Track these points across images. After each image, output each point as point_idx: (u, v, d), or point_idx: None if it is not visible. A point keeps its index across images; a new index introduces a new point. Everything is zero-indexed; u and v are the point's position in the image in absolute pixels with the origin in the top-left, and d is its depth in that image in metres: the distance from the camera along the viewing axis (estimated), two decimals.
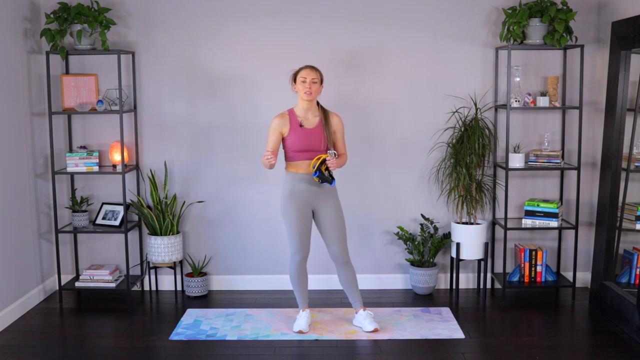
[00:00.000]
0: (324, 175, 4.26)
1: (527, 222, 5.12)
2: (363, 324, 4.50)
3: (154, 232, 5.19)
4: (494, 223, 5.35)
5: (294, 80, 4.39)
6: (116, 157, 5.12)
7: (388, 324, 4.60)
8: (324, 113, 4.43)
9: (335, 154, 4.32)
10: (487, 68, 5.23)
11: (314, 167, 4.27)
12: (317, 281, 5.29)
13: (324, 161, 4.27)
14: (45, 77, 5.10)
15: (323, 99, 4.94)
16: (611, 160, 4.75)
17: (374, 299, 5.08)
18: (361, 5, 5.16)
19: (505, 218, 5.08)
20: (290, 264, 4.51)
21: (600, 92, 5.18)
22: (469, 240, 5.11)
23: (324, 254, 4.90)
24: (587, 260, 5.37)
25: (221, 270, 5.43)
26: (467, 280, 5.42)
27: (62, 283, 5.23)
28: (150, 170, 5.29)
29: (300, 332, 4.46)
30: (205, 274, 5.31)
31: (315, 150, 4.35)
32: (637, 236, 4.95)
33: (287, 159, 4.43)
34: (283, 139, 4.40)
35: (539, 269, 5.17)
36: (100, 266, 5.26)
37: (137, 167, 5.29)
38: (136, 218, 5.36)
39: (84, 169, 5.05)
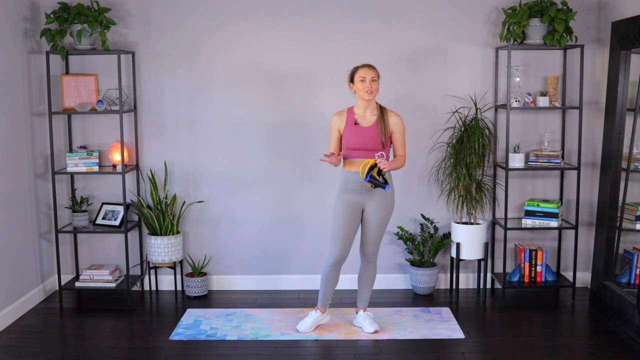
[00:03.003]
0: (376, 180, 4.15)
1: (527, 222, 5.12)
2: (363, 325, 4.50)
3: (154, 232, 5.19)
4: (494, 223, 5.35)
5: (351, 80, 4.34)
6: (116, 157, 5.12)
7: (388, 324, 4.61)
8: (382, 112, 4.36)
9: (383, 154, 4.18)
10: (487, 68, 5.23)
11: (363, 173, 4.17)
12: (318, 281, 5.29)
13: (374, 165, 4.17)
14: (45, 77, 5.10)
15: (327, 99, 4.95)
16: (611, 160, 4.75)
17: (374, 299, 5.08)
18: (361, 6, 5.16)
19: (505, 218, 5.08)
20: (325, 262, 4.44)
21: (600, 92, 5.18)
22: (469, 240, 5.11)
23: (325, 254, 4.90)
24: (587, 260, 5.37)
25: (221, 270, 5.43)
26: (467, 280, 5.42)
27: (62, 283, 5.23)
28: (150, 170, 5.29)
29: (297, 331, 4.48)
30: (205, 274, 5.31)
31: (370, 149, 4.27)
32: (637, 236, 4.95)
33: (343, 156, 4.37)
34: (341, 136, 4.37)
35: (539, 269, 5.17)
36: (100, 266, 5.26)
37: (137, 167, 5.29)
38: (136, 218, 5.36)
39: (84, 169, 5.06)
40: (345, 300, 5.05)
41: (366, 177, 4.16)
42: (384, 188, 4.17)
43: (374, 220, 4.36)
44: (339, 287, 5.12)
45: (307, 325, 4.49)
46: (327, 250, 4.50)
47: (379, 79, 4.32)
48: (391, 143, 4.38)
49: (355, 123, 4.31)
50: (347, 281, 5.17)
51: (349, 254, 4.48)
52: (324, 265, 4.44)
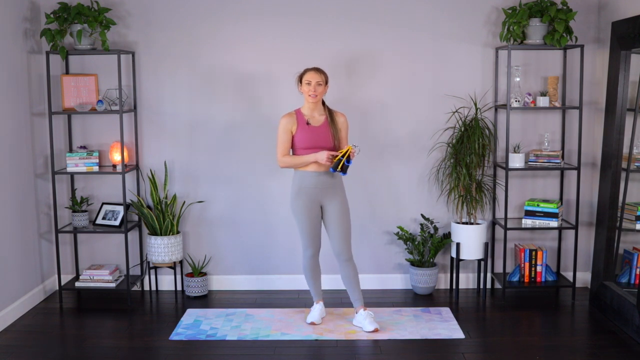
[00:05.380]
0: (344, 165, 4.32)
1: (527, 222, 5.12)
2: (363, 324, 4.50)
3: (154, 232, 5.19)
4: (494, 223, 5.34)
5: (300, 82, 4.48)
6: (116, 157, 5.12)
7: (388, 324, 4.60)
8: (330, 112, 4.52)
9: (358, 147, 4.41)
10: (487, 68, 5.23)
11: (342, 157, 4.31)
12: None
13: (345, 152, 4.33)
14: (45, 77, 5.10)
15: (329, 99, 4.94)
16: (611, 160, 4.75)
17: (374, 299, 5.08)
18: (361, 5, 5.16)
19: (505, 218, 5.08)
20: (302, 258, 4.61)
21: (600, 92, 5.18)
22: (469, 240, 5.11)
23: (325, 254, 4.90)
24: (587, 260, 5.37)
25: (221, 270, 5.43)
26: (467, 280, 5.42)
27: (62, 283, 5.23)
28: (150, 170, 5.29)
29: (312, 323, 4.58)
30: (205, 274, 5.31)
31: (323, 148, 4.42)
32: (637, 236, 4.95)
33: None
34: (292, 137, 4.48)
35: (539, 269, 5.17)
36: (100, 266, 5.26)
37: (137, 167, 5.29)
38: (136, 218, 5.36)
39: (84, 169, 5.06)
40: (345, 300, 5.04)
41: (347, 160, 4.30)
42: (345, 173, 4.35)
43: (334, 216, 4.49)
44: (338, 287, 5.12)
45: (316, 316, 4.63)
46: (301, 249, 4.67)
47: (325, 83, 4.47)
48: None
49: (307, 124, 4.45)
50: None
51: (343, 251, 4.53)
52: (303, 261, 4.61)
